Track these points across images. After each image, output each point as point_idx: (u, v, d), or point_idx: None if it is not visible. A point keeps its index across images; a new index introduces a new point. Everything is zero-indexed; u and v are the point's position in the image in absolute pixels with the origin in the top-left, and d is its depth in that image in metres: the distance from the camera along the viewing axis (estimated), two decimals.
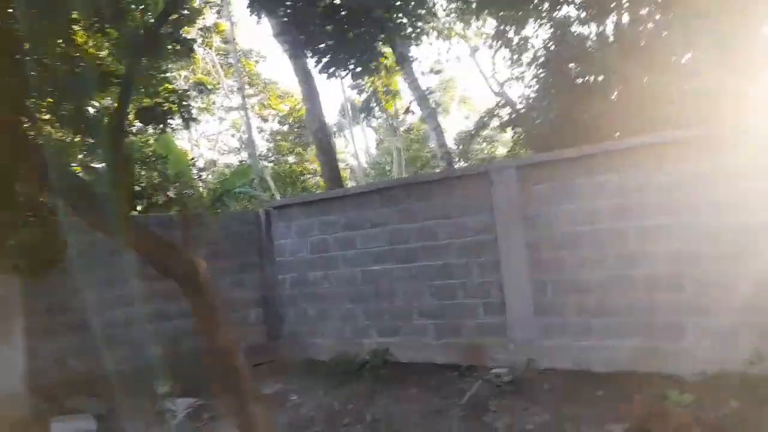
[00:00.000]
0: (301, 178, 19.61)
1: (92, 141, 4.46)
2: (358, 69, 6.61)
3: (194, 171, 13.08)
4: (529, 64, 9.04)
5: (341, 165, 15.91)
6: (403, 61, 13.49)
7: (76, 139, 4.50)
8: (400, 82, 18.60)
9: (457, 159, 16.75)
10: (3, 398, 5.93)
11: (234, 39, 17.75)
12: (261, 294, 8.61)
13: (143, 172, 10.32)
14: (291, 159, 21.29)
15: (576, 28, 8.85)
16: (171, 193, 10.68)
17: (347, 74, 6.91)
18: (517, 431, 4.69)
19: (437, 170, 18.97)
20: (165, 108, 4.13)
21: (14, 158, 3.72)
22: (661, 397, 4.48)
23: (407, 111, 21.44)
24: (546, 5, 9.00)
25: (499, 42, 10.10)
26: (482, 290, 6.57)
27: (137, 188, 9.74)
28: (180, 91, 4.60)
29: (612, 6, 8.24)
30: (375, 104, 20.28)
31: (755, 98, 6.49)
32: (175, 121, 4.41)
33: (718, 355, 5.00)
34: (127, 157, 4.59)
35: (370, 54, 6.32)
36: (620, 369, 5.51)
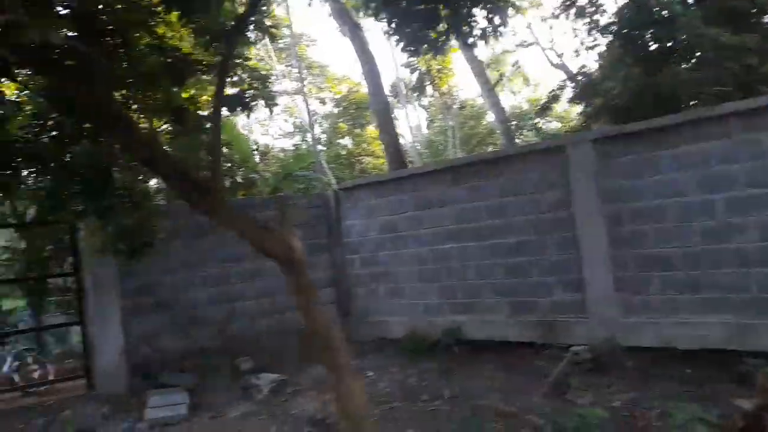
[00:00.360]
0: (360, 159, 19.67)
1: (181, 129, 4.65)
2: (440, 44, 6.59)
3: (257, 156, 13.43)
4: (602, 32, 8.64)
5: None
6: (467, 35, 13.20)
7: (167, 128, 4.71)
8: (453, 58, 18.25)
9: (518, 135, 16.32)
10: (104, 373, 6.39)
11: (291, 24, 17.91)
12: (330, 274, 8.80)
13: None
14: (347, 141, 21.36)
15: None
16: (238, 178, 11.05)
17: (431, 51, 6.97)
18: (603, 408, 4.63)
19: (491, 149, 18.60)
20: (250, 94, 4.25)
21: (122, 149, 3.95)
22: None
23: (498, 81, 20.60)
24: None
25: (569, 10, 9.72)
26: (558, 267, 6.47)
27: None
28: (264, 75, 4.72)
29: None
30: (429, 82, 19.99)
31: None
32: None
33: None
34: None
35: (456, 28, 6.26)
36: (708, 346, 5.33)
